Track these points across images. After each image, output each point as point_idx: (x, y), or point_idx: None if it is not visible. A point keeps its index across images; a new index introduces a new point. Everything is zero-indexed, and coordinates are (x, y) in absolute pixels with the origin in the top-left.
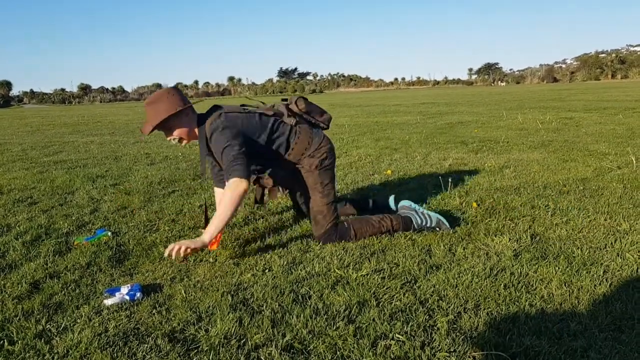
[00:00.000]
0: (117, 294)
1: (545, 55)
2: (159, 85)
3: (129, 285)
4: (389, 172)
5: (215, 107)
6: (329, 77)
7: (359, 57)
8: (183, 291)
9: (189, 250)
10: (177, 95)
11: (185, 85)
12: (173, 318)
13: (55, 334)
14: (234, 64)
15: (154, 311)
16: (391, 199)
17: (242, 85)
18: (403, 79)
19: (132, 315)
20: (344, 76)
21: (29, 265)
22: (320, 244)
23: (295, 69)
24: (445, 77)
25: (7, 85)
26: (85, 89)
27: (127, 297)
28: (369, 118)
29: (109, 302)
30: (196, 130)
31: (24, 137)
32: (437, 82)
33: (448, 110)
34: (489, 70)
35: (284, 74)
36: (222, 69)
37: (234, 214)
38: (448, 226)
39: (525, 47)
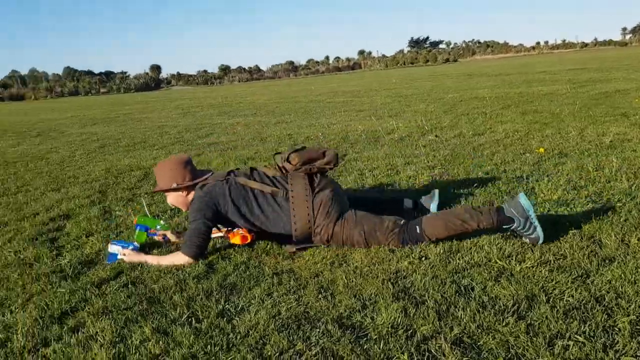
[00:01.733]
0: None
1: None
2: (291, 63)
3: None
4: (541, 150)
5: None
6: (464, 45)
7: (495, 21)
8: (344, 277)
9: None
10: (181, 170)
11: (317, 62)
12: (339, 304)
13: (234, 314)
14: (364, 37)
15: (319, 296)
16: (433, 205)
17: (372, 58)
18: (546, 42)
19: (300, 299)
20: (479, 43)
21: None
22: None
23: (427, 38)
24: (595, 39)
25: (158, 68)
26: (225, 69)
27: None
28: (511, 89)
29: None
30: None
31: (177, 119)
32: (585, 45)
33: (601, 77)
34: None
35: (415, 43)
36: (352, 43)
37: (170, 266)
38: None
39: None
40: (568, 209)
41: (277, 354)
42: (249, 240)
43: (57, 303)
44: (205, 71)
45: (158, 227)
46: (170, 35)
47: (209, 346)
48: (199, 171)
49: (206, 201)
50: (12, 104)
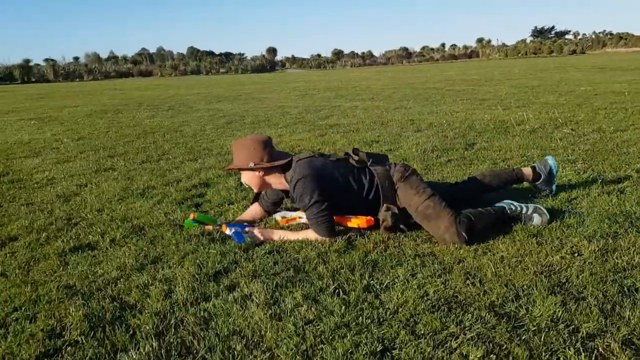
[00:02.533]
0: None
1: None
2: (405, 49)
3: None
4: None
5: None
6: (593, 36)
7: (630, 10)
8: (492, 265)
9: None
10: (259, 150)
11: (432, 49)
12: (490, 292)
13: (380, 290)
14: (483, 24)
15: (467, 282)
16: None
17: (492, 46)
18: None
19: (447, 283)
20: (611, 34)
21: None
22: (456, 245)
23: (552, 27)
24: None
25: (273, 51)
26: (338, 54)
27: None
28: None
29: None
30: (271, 182)
31: (296, 100)
32: None
33: None
34: None
35: (539, 33)
36: (470, 30)
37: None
38: (547, 215)
39: None
40: None
41: (431, 333)
42: (373, 223)
43: (210, 263)
44: (318, 55)
45: (217, 224)
46: (286, 19)
47: (360, 318)
48: (278, 153)
49: (312, 177)
50: (142, 79)
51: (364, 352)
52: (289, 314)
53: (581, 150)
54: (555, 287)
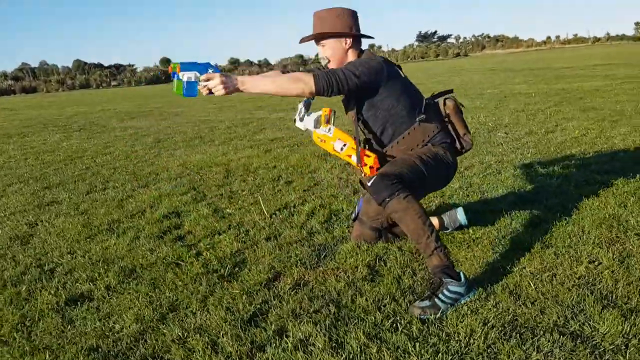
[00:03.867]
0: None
1: None
2: (301, 57)
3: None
4: None
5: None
6: (473, 39)
7: (504, 15)
8: (529, 281)
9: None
10: (350, 19)
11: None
12: (546, 311)
13: (435, 319)
14: (374, 31)
15: (517, 302)
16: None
17: (382, 52)
18: (557, 37)
19: (499, 305)
20: (489, 37)
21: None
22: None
23: (435, 32)
24: (607, 34)
25: (167, 61)
26: (234, 62)
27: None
28: (549, 84)
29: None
30: (350, 60)
31: (216, 114)
32: (597, 40)
33: (638, 73)
34: None
35: (423, 38)
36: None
37: (273, 93)
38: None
39: None
40: None
41: None
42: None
43: (241, 305)
44: (216, 65)
45: (210, 70)
46: (177, 28)
47: (439, 354)
48: None
49: (375, 67)
50: (27, 97)
51: None
52: (362, 357)
53: (530, 154)
54: (603, 300)
